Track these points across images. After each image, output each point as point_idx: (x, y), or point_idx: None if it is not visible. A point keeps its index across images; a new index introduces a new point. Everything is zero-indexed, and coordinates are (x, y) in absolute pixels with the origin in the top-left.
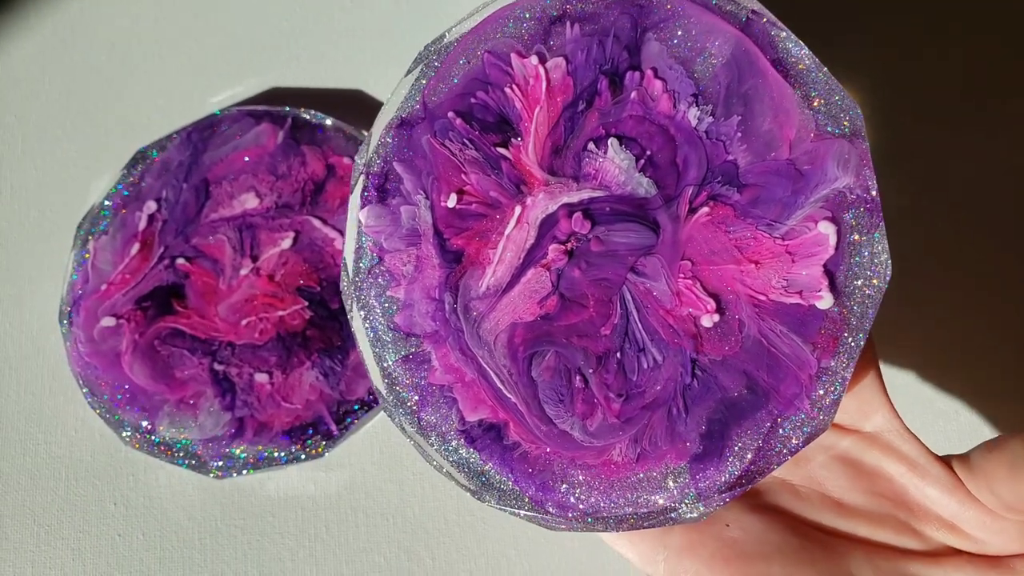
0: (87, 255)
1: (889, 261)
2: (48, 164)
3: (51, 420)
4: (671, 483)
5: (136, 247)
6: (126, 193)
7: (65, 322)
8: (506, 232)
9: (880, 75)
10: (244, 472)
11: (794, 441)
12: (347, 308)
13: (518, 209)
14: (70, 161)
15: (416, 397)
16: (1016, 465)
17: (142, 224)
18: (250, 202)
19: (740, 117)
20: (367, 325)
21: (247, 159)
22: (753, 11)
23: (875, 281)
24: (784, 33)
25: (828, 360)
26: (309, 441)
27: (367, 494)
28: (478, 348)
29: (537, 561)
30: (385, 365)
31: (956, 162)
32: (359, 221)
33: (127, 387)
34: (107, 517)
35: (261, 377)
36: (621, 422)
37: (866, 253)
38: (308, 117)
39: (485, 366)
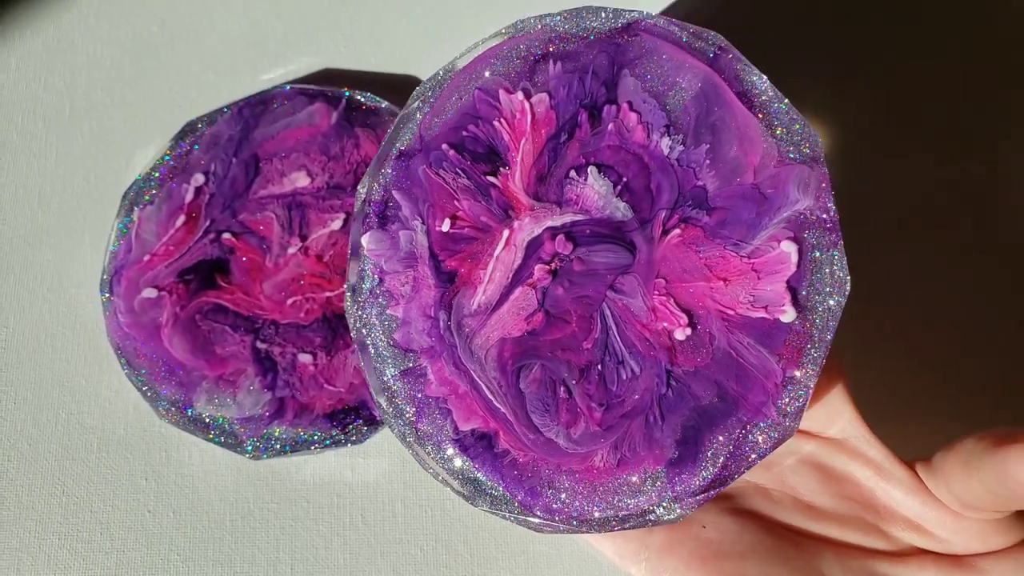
0: (131, 224)
1: (848, 277)
2: (95, 132)
3: (85, 390)
4: (649, 486)
5: (181, 219)
6: (173, 165)
7: (105, 291)
8: (495, 254)
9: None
10: (281, 454)
11: (763, 446)
12: (351, 326)
13: (506, 232)
14: (116, 130)
15: (413, 408)
16: (969, 463)
17: (189, 196)
18: (301, 181)
19: (708, 145)
20: (369, 341)
21: (300, 138)
22: (720, 47)
23: (835, 295)
24: (748, 68)
25: (793, 370)
26: (351, 426)
27: (406, 484)
28: (470, 362)
29: (577, 563)
30: (385, 379)
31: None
32: (362, 245)
33: (165, 360)
34: (138, 492)
35: (305, 358)
36: (603, 430)
37: (826, 270)
38: (362, 99)
39: (477, 379)
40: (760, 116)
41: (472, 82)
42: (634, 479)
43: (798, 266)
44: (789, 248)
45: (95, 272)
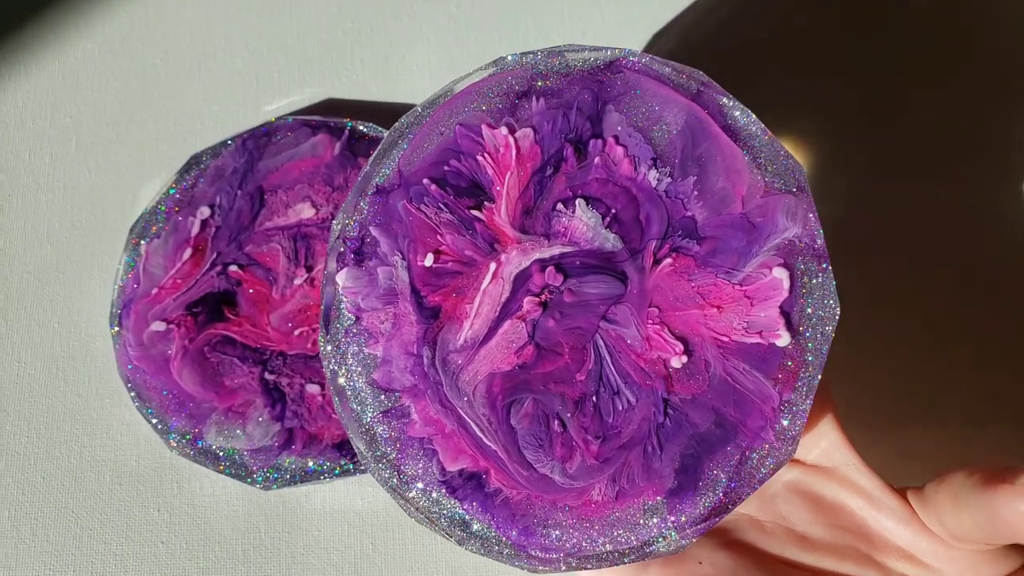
0: (138, 258)
1: (837, 301)
2: (101, 166)
3: (96, 423)
4: (649, 518)
5: (188, 252)
6: (179, 198)
7: (115, 325)
8: (482, 287)
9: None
10: (291, 484)
11: (762, 471)
12: (325, 368)
13: (493, 265)
14: (122, 164)
15: (396, 451)
16: (959, 497)
17: (195, 229)
18: (306, 212)
19: (696, 177)
20: (344, 382)
21: (303, 169)
22: (703, 83)
23: (826, 319)
24: (732, 102)
25: (789, 393)
26: None
27: None
28: (457, 399)
29: None
30: (364, 420)
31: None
32: (336, 283)
33: (175, 393)
34: (150, 523)
35: (313, 388)
36: (599, 463)
37: (817, 294)
38: (365, 130)
39: (465, 416)
40: (745, 148)
41: (452, 118)
42: (633, 511)
43: (790, 291)
44: (781, 274)
45: (104, 306)
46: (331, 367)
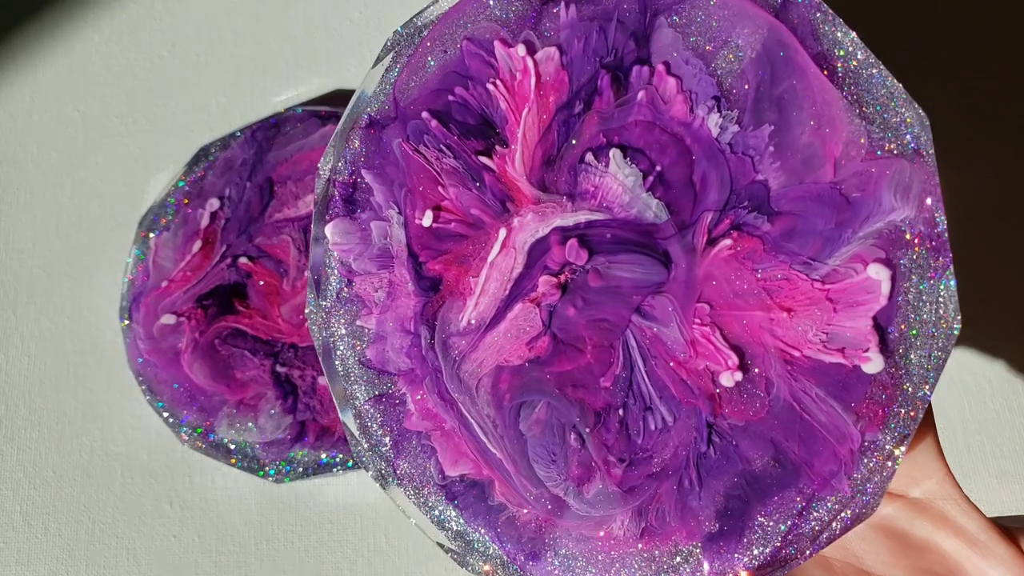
0: (148, 251)
1: (958, 315)
2: (109, 159)
3: (108, 417)
4: (680, 565)
5: (198, 244)
6: (188, 190)
7: (125, 318)
8: (489, 258)
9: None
10: (303, 477)
11: (834, 526)
12: (313, 335)
13: (503, 232)
14: (130, 156)
15: (390, 443)
16: None
17: (204, 221)
18: None
19: (773, 127)
20: (336, 357)
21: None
22: None
23: (939, 340)
24: (831, 20)
25: (875, 433)
26: None
27: None
28: (458, 392)
29: None
30: (356, 404)
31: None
32: (325, 237)
33: (186, 386)
34: (162, 517)
35: (324, 380)
36: (623, 491)
37: (928, 305)
38: None
39: (467, 414)
40: (846, 89)
41: (459, 30)
42: (661, 554)
43: (890, 298)
44: (879, 274)
45: (114, 299)
46: (321, 336)
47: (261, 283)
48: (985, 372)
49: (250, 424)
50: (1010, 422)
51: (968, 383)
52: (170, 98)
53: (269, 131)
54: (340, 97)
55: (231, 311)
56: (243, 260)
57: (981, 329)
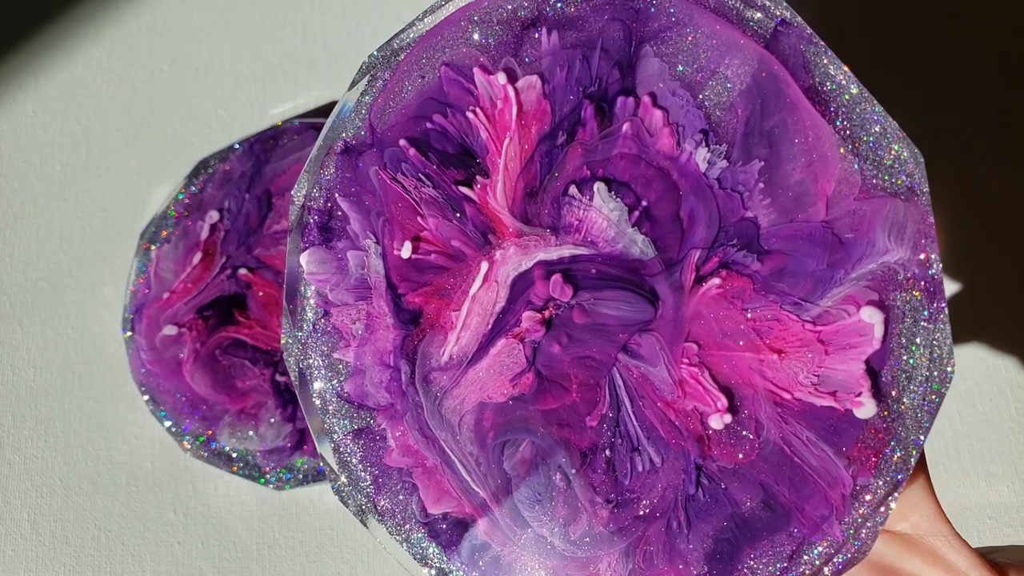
0: (149, 263)
1: (952, 359)
2: (111, 172)
3: (112, 426)
4: None
5: (198, 256)
6: (188, 203)
7: (127, 329)
8: (471, 292)
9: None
10: (304, 484)
11: (825, 571)
12: (289, 368)
13: (485, 265)
14: (131, 169)
15: (370, 479)
16: None
17: (204, 233)
18: None
19: (763, 163)
20: (313, 390)
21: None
22: (782, 21)
23: (933, 384)
24: (823, 52)
25: (867, 477)
26: None
27: None
28: (440, 429)
29: None
30: (334, 438)
31: None
32: (301, 266)
33: (188, 396)
34: (167, 525)
35: None
36: (610, 532)
37: (922, 349)
38: None
39: (449, 452)
40: (838, 124)
41: (437, 55)
42: None
43: (883, 342)
44: (872, 317)
45: (117, 310)
46: (295, 366)
47: (260, 294)
48: (974, 376)
49: (251, 433)
50: (998, 425)
51: (957, 386)
52: (170, 112)
53: (267, 144)
54: None
55: (231, 322)
56: (243, 271)
57: (971, 333)
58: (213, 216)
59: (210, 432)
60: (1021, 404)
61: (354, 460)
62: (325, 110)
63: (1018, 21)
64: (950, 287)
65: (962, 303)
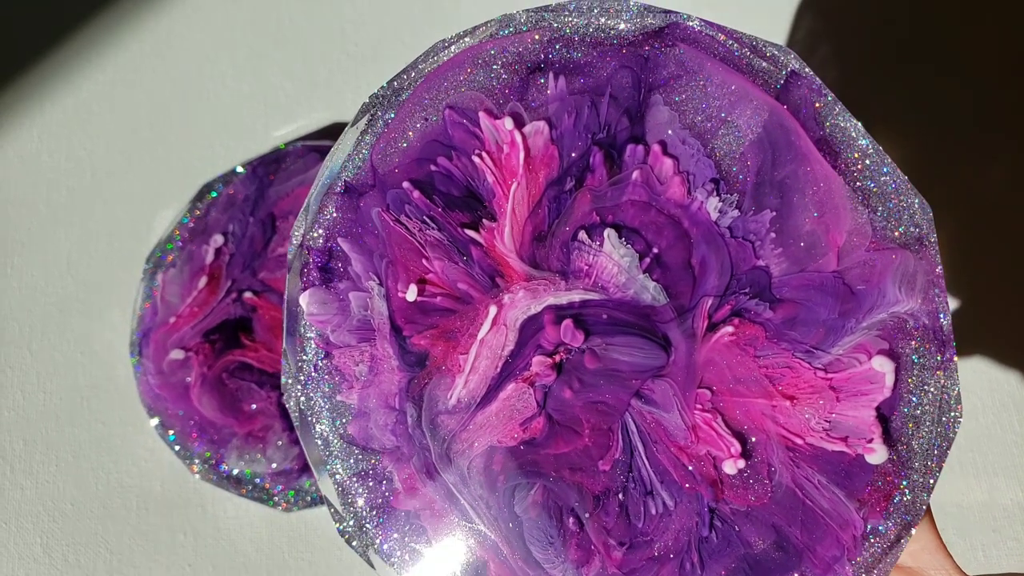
0: (156, 288)
1: (960, 405)
2: (116, 197)
3: (122, 450)
4: None
5: (203, 280)
6: (192, 227)
7: (135, 354)
8: (480, 335)
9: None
10: (312, 505)
11: None
12: (290, 410)
13: (493, 309)
14: (136, 194)
15: (376, 522)
16: None
17: (209, 257)
18: None
19: (774, 212)
20: (315, 432)
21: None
22: (792, 72)
23: (942, 429)
24: (833, 104)
25: (878, 520)
26: None
27: None
28: (449, 473)
29: None
30: (338, 479)
31: None
32: (300, 307)
33: (196, 419)
34: (177, 547)
35: None
36: (623, 574)
37: (931, 395)
38: None
39: (458, 495)
40: (848, 176)
41: (441, 96)
42: None
43: (894, 389)
44: (883, 366)
45: (125, 335)
46: (295, 407)
47: (266, 317)
48: (976, 390)
49: (259, 455)
50: (1001, 439)
51: None
52: (173, 134)
53: (270, 166)
54: (338, 130)
55: (237, 345)
56: (248, 295)
57: (973, 347)
58: (217, 240)
59: (218, 455)
60: None
61: (360, 501)
62: (328, 131)
63: (1019, 21)
64: (952, 300)
65: (965, 317)
